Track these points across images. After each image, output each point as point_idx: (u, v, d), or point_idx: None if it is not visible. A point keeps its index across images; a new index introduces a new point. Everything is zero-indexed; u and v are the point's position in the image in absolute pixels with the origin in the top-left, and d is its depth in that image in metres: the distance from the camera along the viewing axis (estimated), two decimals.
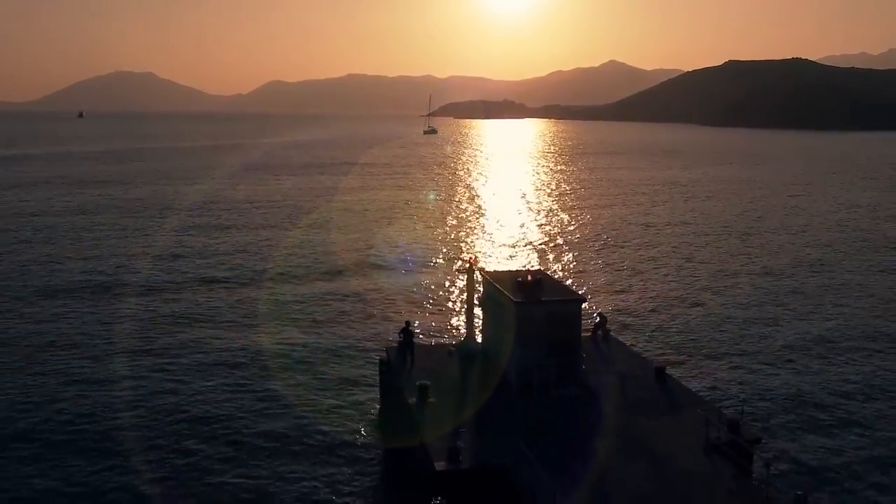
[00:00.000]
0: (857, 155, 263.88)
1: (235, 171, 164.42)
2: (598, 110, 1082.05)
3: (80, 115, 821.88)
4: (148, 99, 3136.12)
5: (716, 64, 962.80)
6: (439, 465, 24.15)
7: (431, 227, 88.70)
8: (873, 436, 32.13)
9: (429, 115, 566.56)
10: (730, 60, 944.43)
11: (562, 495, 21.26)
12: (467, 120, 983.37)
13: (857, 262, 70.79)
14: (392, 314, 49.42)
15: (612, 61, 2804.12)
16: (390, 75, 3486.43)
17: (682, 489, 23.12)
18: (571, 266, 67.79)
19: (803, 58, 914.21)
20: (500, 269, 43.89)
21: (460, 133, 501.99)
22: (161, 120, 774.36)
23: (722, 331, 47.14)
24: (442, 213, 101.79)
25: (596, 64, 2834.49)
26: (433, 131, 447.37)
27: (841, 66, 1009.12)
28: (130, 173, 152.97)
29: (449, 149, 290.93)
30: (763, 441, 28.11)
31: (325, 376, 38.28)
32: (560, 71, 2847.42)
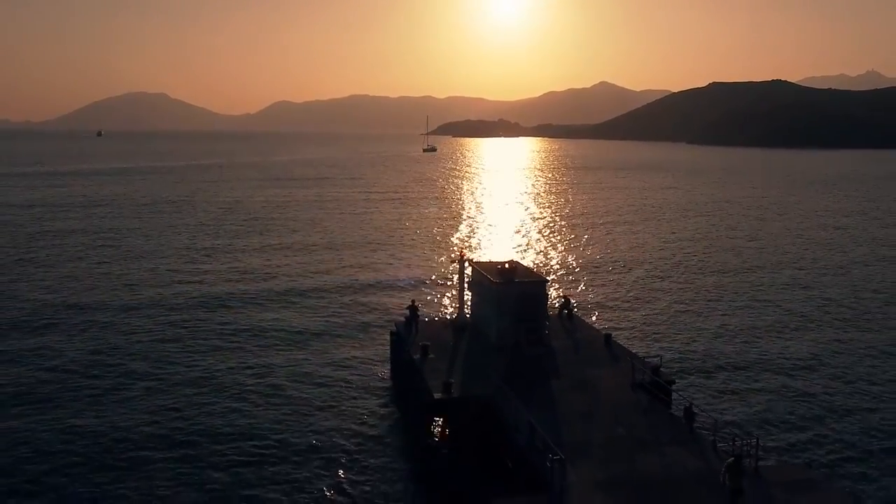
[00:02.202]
0: (817, 171, 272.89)
1: (258, 185, 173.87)
2: (590, 129, 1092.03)
3: (99, 134, 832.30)
4: (160, 118, 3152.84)
5: (701, 85, 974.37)
6: (437, 395, 31.90)
7: (430, 229, 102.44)
8: (755, 378, 41.40)
9: (428, 134, 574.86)
10: (714, 82, 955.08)
11: (528, 413, 28.88)
12: (465, 138, 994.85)
13: (780, 254, 79.97)
14: (400, 297, 58.44)
15: (602, 82, 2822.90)
16: (392, 96, 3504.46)
17: (612, 409, 30.91)
18: (545, 258, 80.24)
19: (783, 79, 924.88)
20: (484, 260, 51.73)
21: (458, 151, 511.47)
22: (175, 138, 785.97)
23: (656, 308, 57.95)
24: (439, 218, 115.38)
25: (587, 85, 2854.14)
26: (433, 149, 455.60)
27: (819, 87, 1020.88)
28: (160, 190, 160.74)
29: (447, 165, 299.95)
30: (676, 381, 35.87)
31: (348, 344, 46.82)
32: (553, 91, 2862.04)
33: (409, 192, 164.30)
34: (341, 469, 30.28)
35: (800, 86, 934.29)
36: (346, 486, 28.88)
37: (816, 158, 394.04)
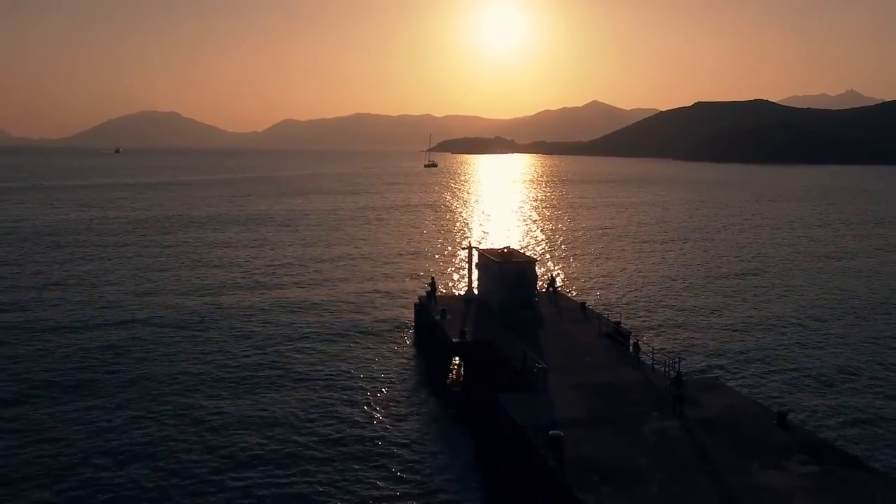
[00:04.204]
0: (789, 184, 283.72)
1: (283, 195, 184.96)
2: (582, 146, 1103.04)
3: (117, 151, 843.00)
4: (173, 136, 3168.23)
5: (687, 104, 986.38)
6: (455, 340, 41.79)
7: (443, 226, 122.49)
8: (686, 326, 50.81)
9: (429, 150, 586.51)
10: (698, 102, 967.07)
11: (521, 344, 38.70)
12: (463, 155, 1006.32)
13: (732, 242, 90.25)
14: (422, 277, 70.69)
15: (594, 101, 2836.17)
16: (393, 114, 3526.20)
17: (582, 348, 40.80)
18: (536, 247, 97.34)
19: (764, 99, 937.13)
20: (487, 248, 62.04)
21: (457, 166, 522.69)
22: (190, 155, 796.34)
23: (620, 285, 71.51)
24: (449, 218, 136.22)
25: (580, 104, 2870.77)
26: (434, 165, 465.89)
27: (801, 106, 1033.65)
28: (191, 201, 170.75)
29: (449, 178, 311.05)
30: (635, 339, 45.71)
31: (380, 314, 57.49)
32: (547, 110, 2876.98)
33: (420, 200, 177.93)
34: (380, 396, 40.23)
35: (782, 105, 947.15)
36: (385, 406, 38.77)
37: (794, 173, 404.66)
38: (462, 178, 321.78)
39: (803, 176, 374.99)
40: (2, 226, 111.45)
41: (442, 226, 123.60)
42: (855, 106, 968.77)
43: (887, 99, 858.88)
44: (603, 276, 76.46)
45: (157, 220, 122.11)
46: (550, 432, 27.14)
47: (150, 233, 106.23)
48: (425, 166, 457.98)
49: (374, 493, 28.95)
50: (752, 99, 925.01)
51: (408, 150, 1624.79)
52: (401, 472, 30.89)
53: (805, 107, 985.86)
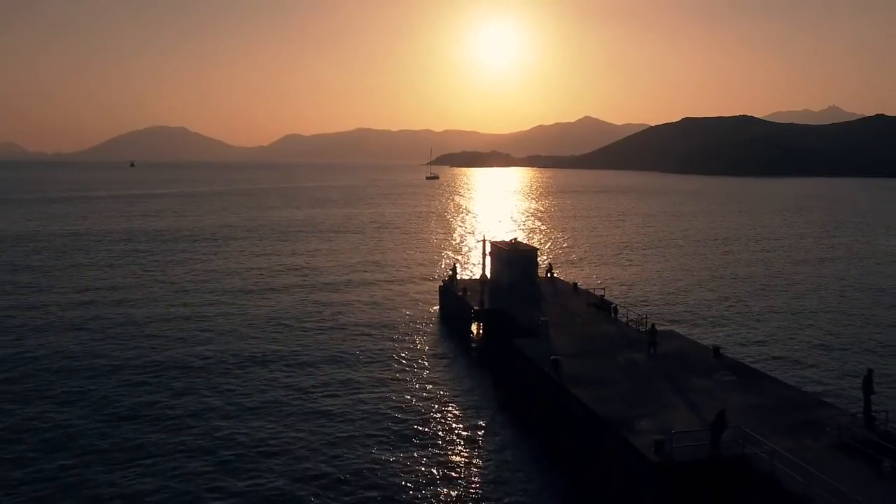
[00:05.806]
0: (768, 195, 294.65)
1: (304, 205, 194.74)
2: (576, 160, 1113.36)
3: (132, 165, 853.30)
4: (181, 150, 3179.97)
5: (675, 120, 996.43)
6: (475, 308, 52.31)
7: (455, 227, 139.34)
8: (653, 296, 61.07)
9: (430, 163, 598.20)
10: (686, 117, 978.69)
11: (527, 308, 49.16)
12: (461, 168, 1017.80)
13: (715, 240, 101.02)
14: (446, 264, 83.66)
15: (587, 117, 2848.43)
16: (393, 129, 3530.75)
17: (574, 313, 51.31)
18: (536, 240, 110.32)
19: (750, 115, 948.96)
20: (498, 240, 72.96)
21: (457, 179, 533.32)
22: (203, 168, 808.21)
23: (604, 269, 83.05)
24: (459, 220, 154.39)
25: (573, 119, 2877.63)
26: (435, 177, 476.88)
27: (784, 121, 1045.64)
28: (229, 210, 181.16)
29: (451, 189, 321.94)
30: (614, 304, 56.27)
31: (412, 292, 68.85)
32: (542, 125, 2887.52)
33: (430, 208, 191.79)
34: (417, 352, 50.77)
35: (766, 121, 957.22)
36: (421, 358, 49.24)
37: (776, 185, 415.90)
38: (464, 190, 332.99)
39: (784, 187, 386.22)
40: (68, 232, 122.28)
41: (454, 227, 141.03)
42: (836, 121, 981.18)
43: (868, 114, 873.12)
44: (591, 264, 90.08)
45: (205, 229, 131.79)
46: (551, 357, 37.68)
47: (201, 240, 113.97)
48: (427, 178, 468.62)
49: (420, 413, 39.37)
50: (738, 114, 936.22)
51: (408, 163, 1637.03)
52: (439, 398, 41.41)
53: (789, 122, 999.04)
